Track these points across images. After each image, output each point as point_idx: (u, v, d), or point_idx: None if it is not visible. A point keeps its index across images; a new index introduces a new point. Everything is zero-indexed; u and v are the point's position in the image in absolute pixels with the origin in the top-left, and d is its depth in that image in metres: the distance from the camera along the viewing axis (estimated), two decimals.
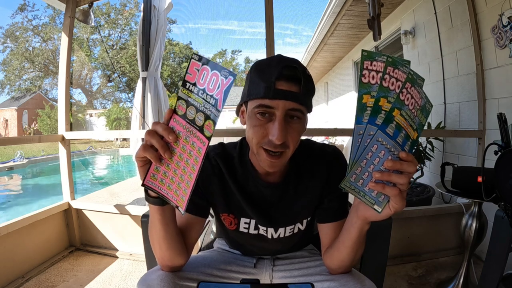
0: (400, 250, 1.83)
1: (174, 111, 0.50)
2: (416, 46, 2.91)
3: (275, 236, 0.77)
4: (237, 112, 0.73)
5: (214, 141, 0.84)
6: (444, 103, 2.43)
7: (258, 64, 0.64)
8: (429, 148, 2.19)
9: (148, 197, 0.58)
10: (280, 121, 0.58)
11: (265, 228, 0.76)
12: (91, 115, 19.79)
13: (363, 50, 0.47)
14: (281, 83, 0.58)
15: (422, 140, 2.24)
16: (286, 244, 0.83)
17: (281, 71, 0.58)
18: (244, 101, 0.66)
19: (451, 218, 1.87)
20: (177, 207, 0.53)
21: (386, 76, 0.47)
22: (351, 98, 5.70)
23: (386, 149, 0.48)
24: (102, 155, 13.68)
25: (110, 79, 23.49)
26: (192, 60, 0.48)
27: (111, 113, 17.83)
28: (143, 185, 0.53)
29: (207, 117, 0.48)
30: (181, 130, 0.50)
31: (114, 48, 22.16)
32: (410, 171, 0.48)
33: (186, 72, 0.48)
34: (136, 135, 2.25)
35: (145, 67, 2.21)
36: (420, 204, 1.99)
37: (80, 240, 2.04)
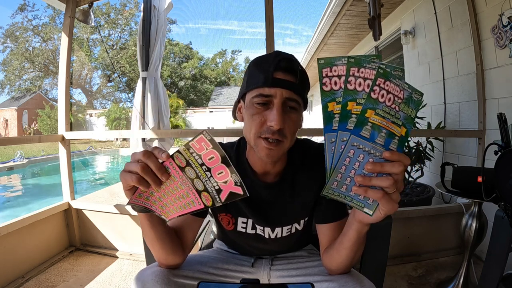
0: (400, 250, 1.83)
1: (171, 157, 0.48)
2: (416, 46, 2.91)
3: (273, 236, 0.77)
4: (234, 112, 0.73)
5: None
6: (444, 103, 2.43)
7: (256, 59, 0.67)
8: (429, 148, 2.19)
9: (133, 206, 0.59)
10: (278, 108, 0.60)
11: (262, 228, 0.76)
12: (91, 115, 19.77)
13: (318, 59, 0.45)
14: (278, 74, 0.61)
15: (422, 140, 2.24)
16: (284, 245, 0.83)
17: (278, 63, 0.61)
18: (242, 94, 0.67)
19: (451, 218, 1.87)
20: (160, 215, 0.54)
21: (351, 78, 0.45)
22: None
23: (365, 152, 0.47)
24: (102, 155, 13.67)
25: (110, 79, 23.51)
26: (203, 136, 0.46)
27: (111, 113, 17.82)
28: (128, 203, 0.54)
29: (206, 190, 0.49)
30: (176, 175, 0.49)
31: (114, 48, 22.17)
32: (394, 172, 0.46)
33: (193, 140, 0.46)
34: (136, 135, 2.25)
35: (145, 67, 2.22)
36: (420, 204, 1.99)
37: (80, 240, 2.04)
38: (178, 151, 0.48)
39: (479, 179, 1.20)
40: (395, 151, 0.46)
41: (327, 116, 0.46)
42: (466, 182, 1.35)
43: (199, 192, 0.49)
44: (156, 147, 0.50)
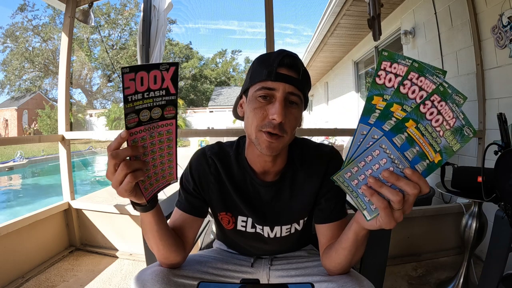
0: (400, 250, 1.83)
1: (127, 128, 0.48)
2: (416, 46, 2.91)
3: (272, 235, 0.78)
4: (235, 109, 0.74)
5: (214, 141, 0.84)
6: None
7: (260, 56, 0.69)
8: None
9: (135, 207, 0.59)
10: (280, 101, 0.61)
11: (261, 227, 0.76)
12: (91, 115, 19.78)
13: (383, 50, 0.43)
14: (282, 69, 0.63)
15: None
16: (283, 244, 0.83)
17: (282, 59, 0.63)
18: (245, 89, 0.68)
19: (451, 218, 1.87)
20: (169, 184, 0.57)
21: (407, 82, 0.42)
22: (351, 98, 5.70)
23: (389, 159, 0.45)
24: (102, 155, 13.67)
25: (110, 79, 23.51)
26: (124, 74, 0.45)
27: (111, 113, 17.81)
28: (148, 202, 0.56)
29: (163, 106, 0.50)
30: (143, 134, 0.50)
31: (114, 48, 22.19)
32: (407, 191, 0.44)
33: (124, 89, 0.46)
34: None
35: None
36: (420, 204, 1.99)
37: (80, 240, 2.04)
38: (125, 115, 0.48)
39: (479, 179, 1.20)
40: (417, 173, 0.45)
41: (368, 108, 0.45)
42: (466, 182, 1.36)
43: (163, 118, 0.51)
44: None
